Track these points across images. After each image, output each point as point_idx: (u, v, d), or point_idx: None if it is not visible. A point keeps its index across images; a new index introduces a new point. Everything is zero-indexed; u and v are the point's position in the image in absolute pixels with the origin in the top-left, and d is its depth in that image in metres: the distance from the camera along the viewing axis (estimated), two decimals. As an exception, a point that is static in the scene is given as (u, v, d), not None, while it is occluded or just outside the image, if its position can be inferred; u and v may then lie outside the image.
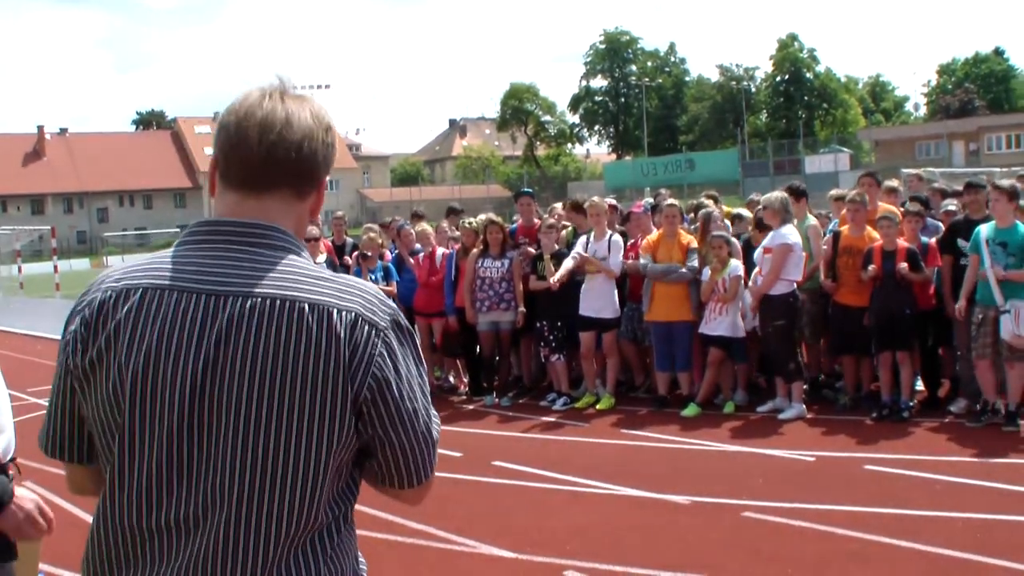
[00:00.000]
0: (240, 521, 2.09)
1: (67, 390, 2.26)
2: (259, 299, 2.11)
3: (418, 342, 2.30)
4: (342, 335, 2.11)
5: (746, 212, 12.91)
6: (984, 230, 9.98)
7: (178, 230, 75.67)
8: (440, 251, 13.32)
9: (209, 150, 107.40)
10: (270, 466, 2.10)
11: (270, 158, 2.21)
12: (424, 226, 13.81)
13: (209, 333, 2.11)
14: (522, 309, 12.39)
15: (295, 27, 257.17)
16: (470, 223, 13.23)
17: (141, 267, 2.23)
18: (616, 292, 11.95)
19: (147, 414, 2.12)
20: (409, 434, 2.22)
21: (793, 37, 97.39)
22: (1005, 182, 10.39)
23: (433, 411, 2.32)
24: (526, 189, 15.31)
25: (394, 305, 2.25)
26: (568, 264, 11.75)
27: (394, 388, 2.17)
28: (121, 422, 2.15)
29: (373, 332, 2.15)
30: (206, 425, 2.10)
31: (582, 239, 12.08)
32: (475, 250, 12.64)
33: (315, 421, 2.10)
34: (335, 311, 2.12)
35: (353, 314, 2.14)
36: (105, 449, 2.20)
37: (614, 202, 13.82)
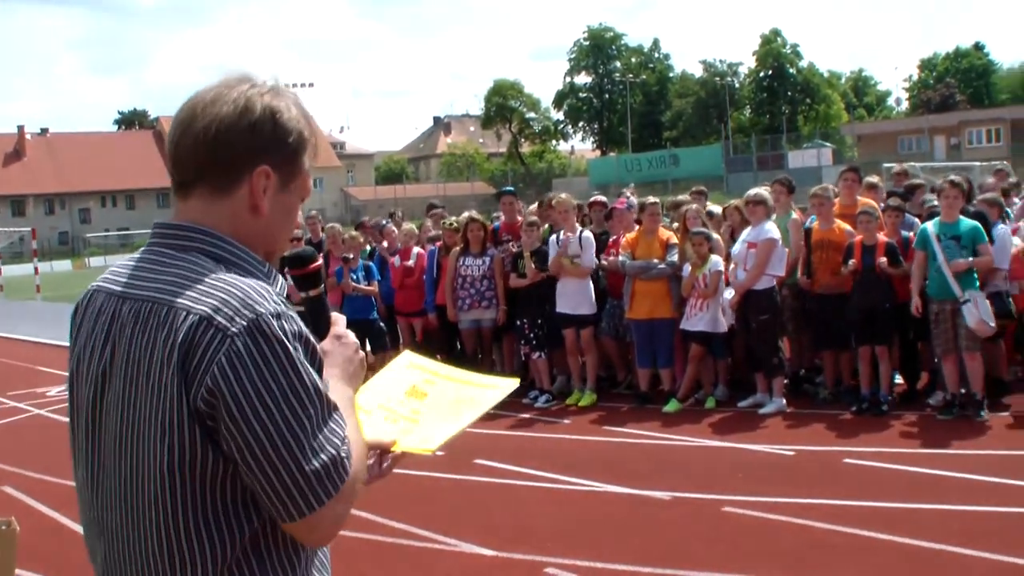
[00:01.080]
0: (122, 533, 2.08)
1: None
2: (138, 302, 2.08)
3: (293, 357, 1.99)
4: (182, 340, 1.97)
5: (716, 209, 12.87)
6: (931, 226, 10.12)
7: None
8: (415, 250, 13.31)
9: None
10: (130, 478, 2.04)
11: (177, 154, 2.16)
12: (406, 225, 13.85)
13: (109, 335, 2.11)
14: (503, 307, 12.41)
15: (280, 26, 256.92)
16: (451, 223, 13.24)
17: (110, 269, 2.27)
18: (592, 288, 11.98)
19: (73, 414, 2.22)
20: (260, 459, 1.96)
21: (776, 32, 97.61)
22: (957, 178, 10.55)
23: (322, 439, 2.01)
24: (508, 187, 15.33)
25: (265, 309, 2.00)
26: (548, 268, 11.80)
27: (232, 403, 1.94)
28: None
29: (218, 338, 1.95)
30: (101, 430, 2.12)
31: (553, 237, 12.13)
32: (456, 248, 12.66)
33: (157, 432, 1.99)
34: (184, 313, 1.99)
35: (198, 316, 1.98)
36: None
37: (602, 198, 13.83)
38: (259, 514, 2.06)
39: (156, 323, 2.02)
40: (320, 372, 2.08)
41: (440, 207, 15.97)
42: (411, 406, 2.55)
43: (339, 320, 2.41)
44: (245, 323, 1.97)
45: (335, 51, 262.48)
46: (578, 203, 13.15)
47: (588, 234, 12.02)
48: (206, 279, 2.04)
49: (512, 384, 2.73)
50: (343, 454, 2.04)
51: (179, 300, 2.01)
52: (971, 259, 9.80)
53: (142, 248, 2.22)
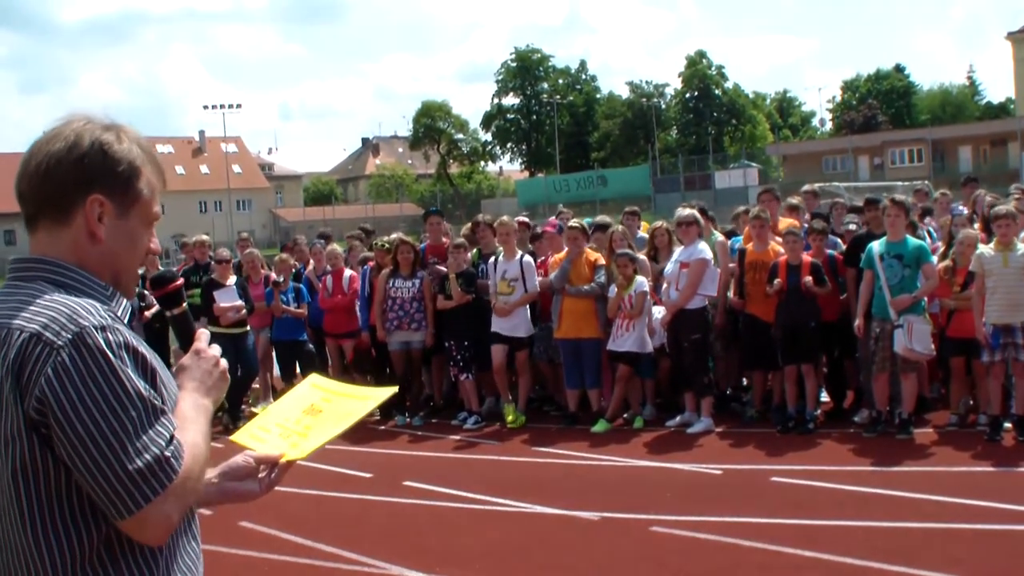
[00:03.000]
0: None
1: None
2: None
3: (114, 365, 2.15)
4: (13, 354, 2.13)
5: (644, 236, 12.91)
6: (876, 246, 10.24)
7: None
8: (347, 272, 13.25)
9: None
10: None
11: (20, 191, 2.35)
12: (332, 247, 13.77)
13: None
14: (431, 329, 12.38)
15: (207, 47, 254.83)
16: (383, 243, 13.20)
17: None
18: (528, 310, 12.00)
19: None
20: (86, 461, 2.10)
21: (702, 54, 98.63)
22: (900, 197, 10.71)
23: (144, 439, 2.14)
24: (433, 208, 15.34)
25: (89, 322, 2.15)
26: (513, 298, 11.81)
27: (57, 410, 2.09)
28: None
29: (45, 351, 2.11)
30: None
31: (491, 260, 12.11)
32: (385, 270, 12.61)
33: (4, 443, 2.13)
34: (16, 332, 2.15)
35: (29, 333, 2.14)
36: None
37: (526, 219, 13.86)
38: (106, 519, 2.17)
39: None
40: (152, 380, 2.23)
41: (371, 231, 15.95)
42: (305, 422, 2.71)
43: (202, 335, 2.56)
44: (70, 336, 2.13)
45: (262, 73, 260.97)
46: (522, 220, 13.16)
47: (529, 258, 12.04)
48: (40, 301, 2.20)
49: (389, 392, 3.00)
50: (168, 454, 2.16)
51: (14, 321, 2.17)
52: (915, 293, 9.93)
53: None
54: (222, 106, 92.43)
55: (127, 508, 2.13)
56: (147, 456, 2.13)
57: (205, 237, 15.16)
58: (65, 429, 2.10)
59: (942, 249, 11.14)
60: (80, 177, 2.30)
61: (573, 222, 12.22)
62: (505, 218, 12.60)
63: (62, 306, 2.18)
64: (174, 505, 2.18)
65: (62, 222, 2.31)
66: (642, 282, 11.22)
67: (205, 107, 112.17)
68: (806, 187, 14.45)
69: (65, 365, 2.11)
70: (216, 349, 2.54)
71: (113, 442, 2.11)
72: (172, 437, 2.19)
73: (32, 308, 2.18)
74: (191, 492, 2.24)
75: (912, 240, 10.18)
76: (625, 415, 11.72)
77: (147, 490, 2.13)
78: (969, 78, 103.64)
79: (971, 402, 10.61)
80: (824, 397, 11.52)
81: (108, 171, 2.32)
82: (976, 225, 11.30)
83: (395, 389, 3.23)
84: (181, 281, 2.79)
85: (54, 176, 2.29)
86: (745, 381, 12.24)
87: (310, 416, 2.70)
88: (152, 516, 2.15)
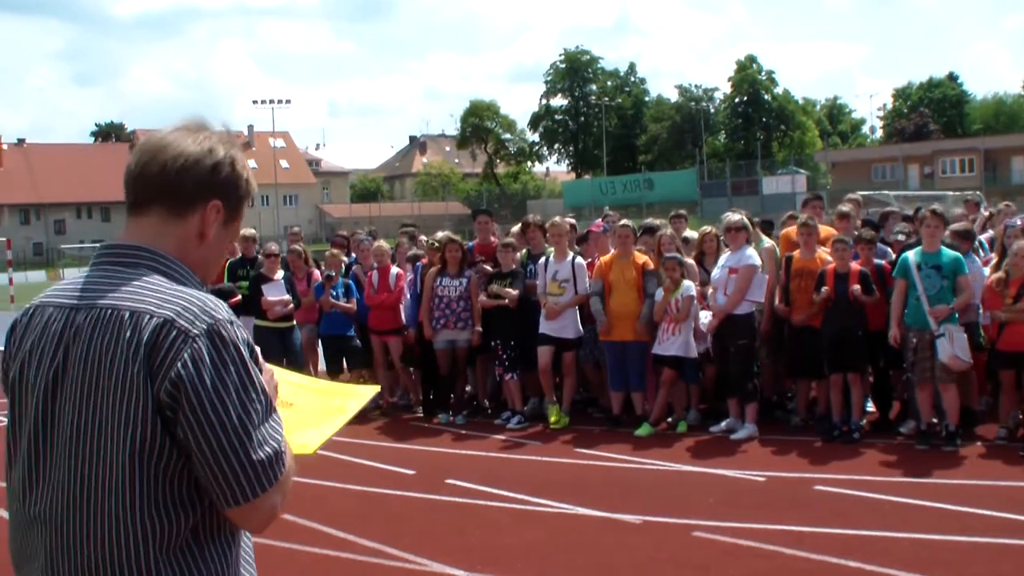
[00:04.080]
0: (72, 522, 2.26)
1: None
2: (98, 309, 2.30)
3: (246, 360, 2.32)
4: (147, 338, 2.22)
5: (692, 235, 12.86)
6: (912, 255, 10.19)
7: (135, 243, 74.87)
8: (394, 269, 13.27)
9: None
10: (87, 469, 2.24)
11: (139, 176, 2.44)
12: (379, 243, 13.81)
13: (62, 341, 2.32)
14: (478, 328, 12.40)
15: (257, 42, 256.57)
16: (433, 242, 13.23)
17: (50, 288, 2.50)
18: (577, 312, 12.00)
19: (17, 418, 2.39)
20: (214, 446, 2.22)
21: (752, 59, 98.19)
22: (939, 207, 10.66)
23: (265, 432, 2.30)
24: (483, 208, 15.34)
25: (222, 316, 2.29)
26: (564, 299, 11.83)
27: (192, 394, 2.20)
28: (8, 424, 2.42)
29: (180, 337, 2.22)
30: (52, 429, 2.31)
31: (542, 261, 12.13)
32: (433, 269, 12.65)
33: (120, 423, 2.22)
34: (147, 316, 2.24)
35: (162, 319, 2.24)
36: None
37: (572, 220, 13.85)
38: (200, 504, 2.30)
39: (117, 326, 2.25)
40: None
41: (412, 226, 15.99)
42: (281, 415, 2.76)
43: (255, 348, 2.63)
44: (205, 326, 2.25)
45: (312, 69, 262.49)
46: (569, 222, 13.15)
47: (580, 260, 12.04)
48: (163, 289, 2.31)
49: (372, 391, 3.16)
50: (282, 448, 2.34)
51: (142, 306, 2.26)
52: (953, 303, 9.87)
53: (92, 265, 2.44)
54: (271, 101, 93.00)
55: (244, 495, 2.27)
56: (267, 448, 2.29)
57: (252, 231, 15.27)
58: (198, 414, 2.21)
59: (995, 260, 11.03)
60: (210, 182, 2.45)
61: (623, 222, 12.21)
62: (558, 219, 12.60)
63: (191, 296, 2.30)
64: (280, 498, 2.35)
65: (179, 216, 2.43)
66: (689, 286, 11.19)
67: (254, 102, 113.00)
68: (850, 195, 14.36)
69: (201, 353, 2.22)
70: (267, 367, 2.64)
71: (240, 432, 2.24)
72: (282, 433, 2.37)
73: (157, 295, 2.29)
74: (289, 488, 2.40)
75: (948, 251, 10.11)
76: (669, 419, 11.70)
77: (264, 480, 2.28)
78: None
79: (1020, 416, 10.49)
80: (870, 407, 11.44)
81: (232, 184, 2.50)
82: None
83: (377, 388, 3.51)
84: (239, 298, 2.97)
85: (189, 173, 2.41)
86: (792, 388, 12.15)
87: (283, 409, 2.72)
88: (262, 505, 2.30)
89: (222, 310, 2.31)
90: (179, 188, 2.41)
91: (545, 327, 11.88)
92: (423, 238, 14.43)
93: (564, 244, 12.06)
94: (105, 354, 2.24)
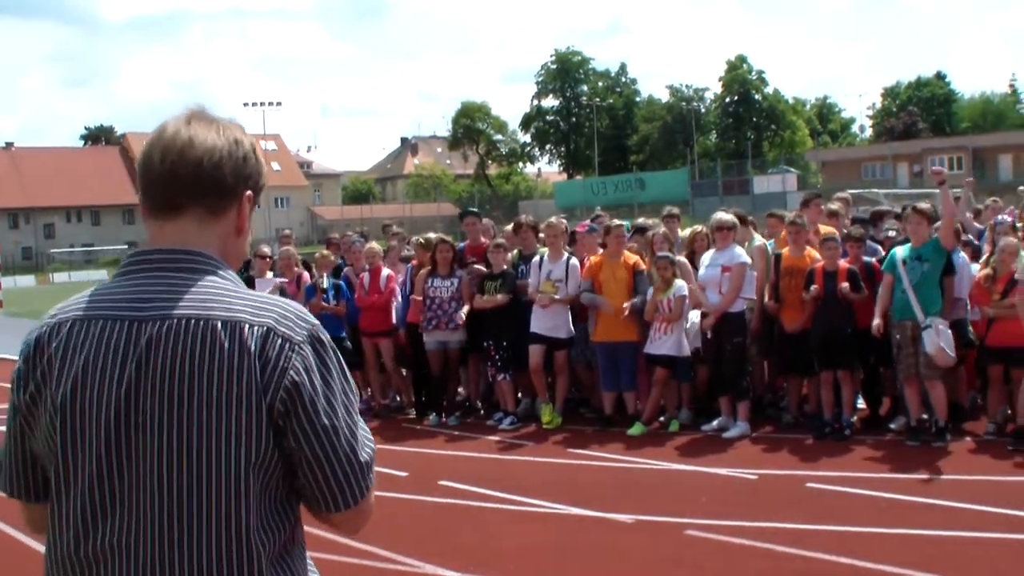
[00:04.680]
0: (170, 545, 2.13)
1: (18, 428, 2.30)
2: (175, 320, 2.16)
3: (342, 362, 2.31)
4: (253, 349, 2.14)
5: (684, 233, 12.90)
6: (900, 251, 10.28)
7: (126, 247, 74.99)
8: (385, 271, 13.27)
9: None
10: (193, 487, 2.12)
11: (172, 177, 2.28)
12: (371, 245, 13.79)
13: (130, 358, 2.15)
14: (462, 320, 12.32)
15: (248, 45, 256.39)
16: (423, 240, 13.23)
17: (77, 300, 2.30)
18: (569, 311, 12.01)
19: (76, 442, 2.17)
20: (327, 451, 2.21)
21: (742, 59, 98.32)
22: (924, 205, 10.71)
23: (363, 434, 2.30)
24: (472, 209, 15.35)
25: (314, 321, 2.27)
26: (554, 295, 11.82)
27: (307, 401, 2.17)
28: (55, 452, 2.20)
29: (287, 346, 2.17)
30: (132, 450, 2.14)
31: (535, 260, 12.14)
32: (424, 270, 12.66)
33: (232, 437, 2.13)
34: (247, 326, 2.16)
35: (265, 328, 2.17)
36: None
37: (564, 221, 13.86)
38: (294, 512, 2.31)
39: (210, 338, 2.15)
40: None
41: (391, 225, 16.10)
42: None
43: None
44: (306, 333, 2.22)
45: (304, 70, 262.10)
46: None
47: (575, 261, 12.04)
48: (240, 295, 2.24)
49: None
50: (375, 449, 2.35)
51: (234, 315, 2.18)
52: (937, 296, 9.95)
53: (128, 273, 2.29)
54: (262, 103, 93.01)
55: (354, 498, 2.27)
56: (369, 448, 2.31)
57: (288, 231, 15.33)
58: (313, 421, 2.18)
59: (986, 256, 11.08)
60: (243, 174, 2.36)
61: (615, 222, 12.23)
62: (553, 219, 12.61)
63: (278, 303, 2.25)
64: (373, 496, 2.35)
65: (217, 214, 2.34)
66: (681, 286, 11.21)
67: (245, 104, 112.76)
68: (838, 194, 14.43)
69: (309, 360, 2.20)
70: None
71: (350, 435, 2.25)
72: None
73: (239, 301, 2.21)
74: None
75: (934, 245, 10.16)
76: (661, 418, 11.72)
77: (368, 481, 2.30)
78: (1011, 86, 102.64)
79: (1009, 411, 10.54)
80: (860, 404, 11.47)
81: (257, 173, 2.41)
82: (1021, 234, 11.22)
83: None
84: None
85: (224, 168, 2.32)
86: (781, 389, 12.18)
87: None
88: (365, 507, 2.33)
89: (312, 316, 2.29)
90: (218, 185, 2.31)
91: (536, 326, 11.88)
92: (416, 238, 14.39)
93: (560, 244, 12.07)
94: (200, 368, 2.13)
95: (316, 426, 2.18)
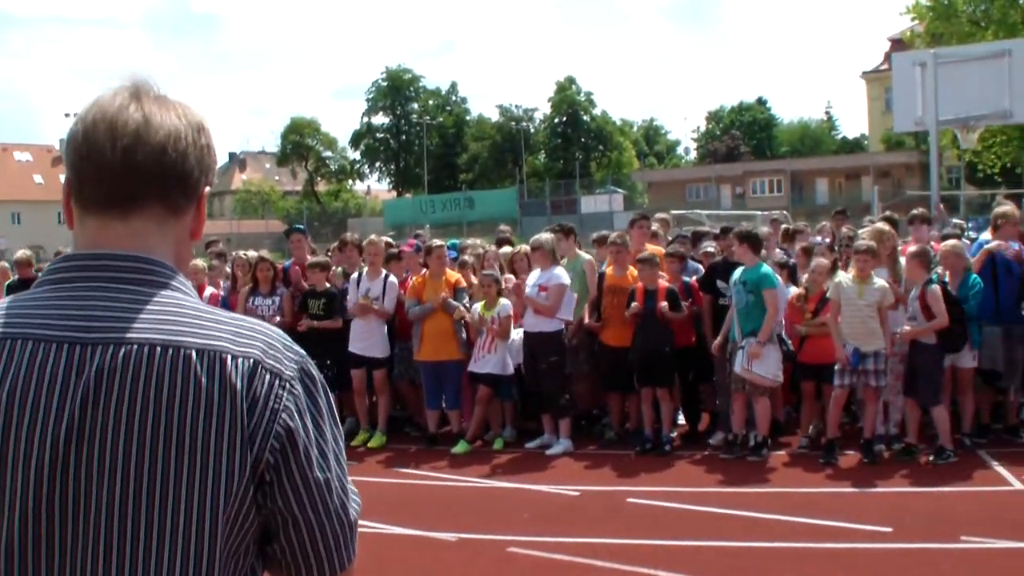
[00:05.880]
0: None
1: None
2: (135, 346, 1.71)
3: (331, 401, 1.87)
4: (239, 386, 1.71)
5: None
6: (737, 273, 10.51)
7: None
8: (208, 290, 12.98)
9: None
10: (144, 555, 1.67)
11: (127, 164, 1.79)
12: (194, 262, 13.47)
13: (73, 391, 1.69)
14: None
15: (72, 52, 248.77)
16: (242, 256, 13.03)
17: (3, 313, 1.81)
18: (385, 330, 11.95)
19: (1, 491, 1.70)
20: (318, 511, 1.79)
21: (571, 80, 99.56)
22: (743, 229, 11.06)
23: (351, 486, 1.88)
24: (299, 226, 15.18)
25: (301, 351, 1.83)
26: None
27: (301, 451, 1.75)
28: None
29: (277, 382, 1.75)
30: (69, 503, 1.67)
31: (353, 277, 12.05)
32: (245, 288, 12.44)
33: (205, 492, 1.68)
34: (229, 357, 1.73)
35: (252, 360, 1.74)
36: None
37: (390, 240, 13.83)
38: None
39: (183, 370, 1.70)
40: None
41: (216, 242, 15.83)
42: None
43: None
44: (296, 366, 1.80)
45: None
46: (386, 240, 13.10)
47: (393, 279, 12.01)
48: (217, 317, 1.80)
49: None
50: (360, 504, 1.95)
51: (210, 343, 1.73)
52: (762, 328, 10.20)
53: (63, 282, 1.81)
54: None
55: (341, 564, 1.85)
56: (356, 504, 1.89)
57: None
58: (306, 476, 1.77)
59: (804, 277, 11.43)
60: (204, 163, 1.89)
61: (436, 241, 12.26)
62: (374, 237, 12.58)
63: (260, 328, 1.81)
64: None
65: (178, 213, 1.87)
66: (507, 304, 11.26)
67: (67, 115, 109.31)
68: (659, 214, 14.76)
69: (300, 400, 1.78)
70: None
71: (340, 490, 1.83)
72: None
73: (224, 327, 1.77)
74: None
75: (761, 269, 10.42)
76: (485, 436, 11.75)
77: (355, 540, 1.88)
78: (827, 113, 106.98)
79: (821, 425, 10.90)
80: (680, 420, 11.70)
81: (210, 162, 1.93)
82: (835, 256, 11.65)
83: None
84: None
85: (190, 157, 1.86)
86: (605, 404, 12.35)
87: None
88: (353, 568, 1.89)
89: (294, 343, 1.85)
90: (184, 178, 1.84)
91: (353, 346, 11.83)
92: (240, 253, 14.08)
93: (379, 263, 12.02)
94: (169, 408, 1.67)
95: (309, 481, 1.77)
